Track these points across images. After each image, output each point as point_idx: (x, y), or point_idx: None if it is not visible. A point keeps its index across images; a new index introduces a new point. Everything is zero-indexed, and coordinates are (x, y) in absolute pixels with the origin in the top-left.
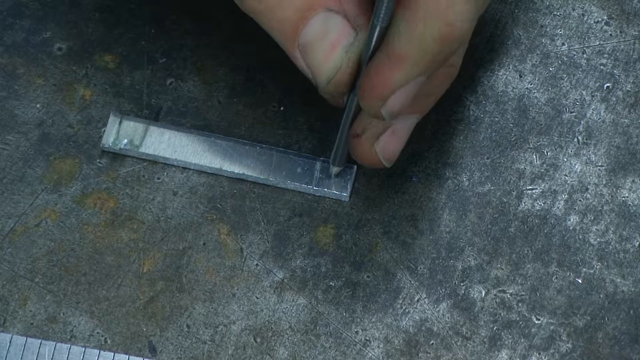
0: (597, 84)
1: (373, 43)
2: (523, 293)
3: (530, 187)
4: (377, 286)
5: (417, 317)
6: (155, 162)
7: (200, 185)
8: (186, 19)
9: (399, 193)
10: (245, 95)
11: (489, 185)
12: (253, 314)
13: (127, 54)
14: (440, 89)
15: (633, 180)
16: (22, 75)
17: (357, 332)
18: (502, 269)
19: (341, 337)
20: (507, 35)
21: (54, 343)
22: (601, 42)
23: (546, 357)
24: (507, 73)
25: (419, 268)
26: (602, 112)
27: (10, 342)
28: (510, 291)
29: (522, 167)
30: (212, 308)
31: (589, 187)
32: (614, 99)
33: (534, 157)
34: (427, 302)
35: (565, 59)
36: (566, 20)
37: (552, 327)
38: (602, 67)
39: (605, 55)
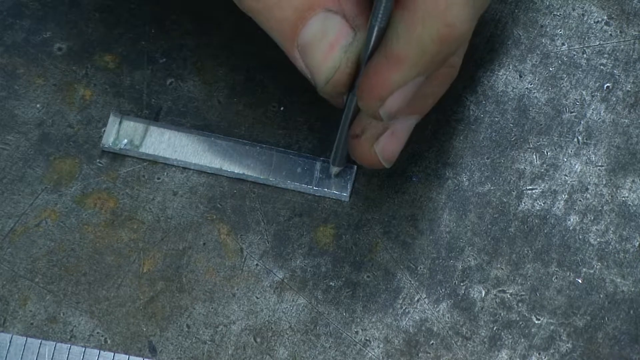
0: (597, 84)
1: (371, 43)
2: (523, 293)
3: (530, 187)
4: (377, 286)
5: (417, 317)
6: (155, 162)
7: (200, 185)
8: (186, 19)
9: (399, 193)
10: (245, 95)
11: (489, 185)
12: (253, 314)
13: (127, 54)
14: (439, 90)
15: (633, 180)
16: (22, 75)
17: (357, 332)
18: (502, 269)
19: (341, 337)
20: (507, 35)
21: (54, 343)
22: (601, 42)
23: (546, 357)
24: (507, 73)
25: (419, 268)
26: (602, 112)
27: (10, 342)
28: (510, 291)
29: (522, 167)
30: (212, 308)
31: (589, 187)
32: (614, 99)
33: (534, 157)
34: (427, 302)
35: (565, 59)
36: (566, 20)
37: (552, 327)
38: (602, 67)
39: (605, 55)
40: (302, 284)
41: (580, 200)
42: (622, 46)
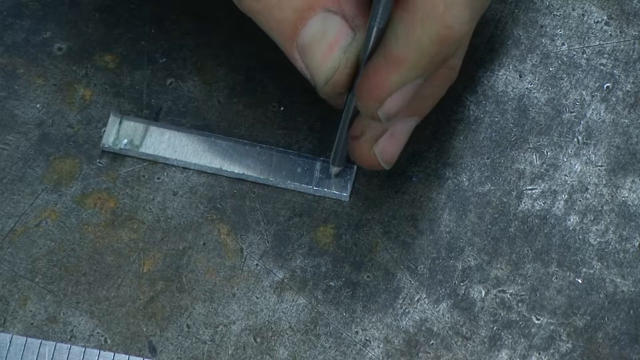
0: (597, 84)
1: (370, 44)
2: (523, 293)
3: (530, 187)
4: (377, 286)
5: (417, 317)
6: (155, 162)
7: (200, 185)
8: (186, 19)
9: (399, 193)
10: (245, 95)
11: (489, 185)
12: (253, 314)
13: (127, 54)
14: (439, 91)
15: (633, 180)
16: (22, 75)
17: (357, 332)
18: (502, 269)
19: (341, 337)
20: (507, 35)
21: (54, 343)
22: (601, 42)
23: (546, 357)
24: (507, 73)
25: (419, 268)
26: (602, 112)
27: (10, 342)
28: (510, 291)
29: (522, 167)
30: (212, 308)
31: (589, 187)
32: (614, 99)
33: (534, 157)
34: (427, 302)
35: (565, 59)
36: (566, 20)
37: (552, 327)
38: (602, 67)
39: (605, 55)
40: (302, 284)
41: (580, 200)
42: (622, 46)
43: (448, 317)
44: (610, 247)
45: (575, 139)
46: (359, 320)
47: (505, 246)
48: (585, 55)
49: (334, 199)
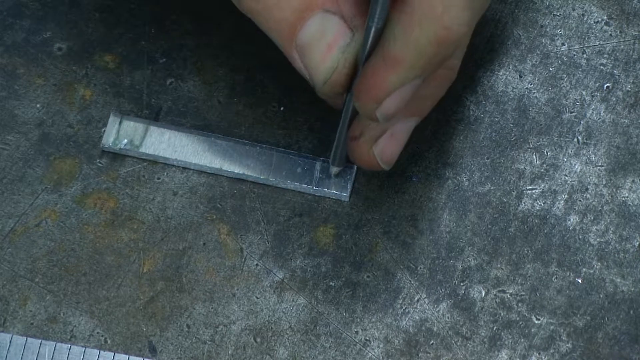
0: (597, 84)
1: (369, 44)
2: (523, 293)
3: (530, 187)
4: (377, 286)
5: (417, 317)
6: (155, 162)
7: (200, 185)
8: (186, 19)
9: (399, 193)
10: (245, 95)
11: (489, 185)
12: (253, 314)
13: (127, 54)
14: (438, 92)
15: (633, 180)
16: (22, 75)
17: (357, 332)
18: (502, 269)
19: (341, 337)
20: (507, 35)
21: (54, 343)
22: (601, 42)
23: (546, 357)
24: (507, 73)
25: (419, 268)
26: (602, 112)
27: (10, 342)
28: (510, 291)
29: (522, 167)
30: (212, 308)
31: (589, 187)
32: (614, 99)
33: (534, 157)
34: (427, 302)
35: (565, 59)
36: (566, 20)
37: (552, 327)
38: (602, 67)
39: (605, 55)
40: (302, 284)
41: (580, 200)
42: (622, 46)
43: (448, 317)
44: (610, 247)
45: (575, 139)
46: (359, 320)
47: (505, 246)
48: (585, 55)
49: (334, 199)
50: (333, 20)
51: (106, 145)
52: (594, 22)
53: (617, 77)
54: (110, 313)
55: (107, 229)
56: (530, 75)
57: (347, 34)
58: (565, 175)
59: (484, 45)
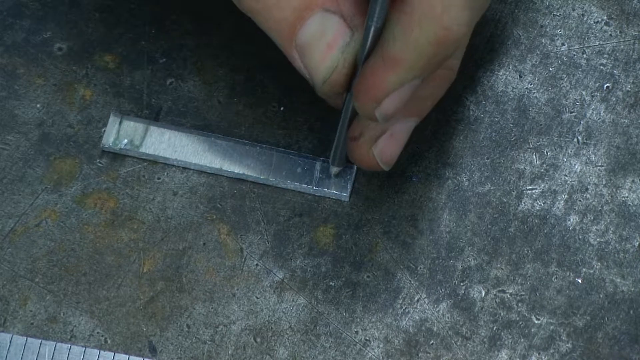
0: (597, 84)
1: (368, 44)
2: (523, 293)
3: (530, 187)
4: (377, 286)
5: (417, 317)
6: (155, 162)
7: (200, 185)
8: (186, 19)
9: (399, 193)
10: (245, 95)
11: (489, 185)
12: (253, 314)
13: (127, 54)
14: (437, 92)
15: (633, 180)
16: (22, 75)
17: (357, 332)
18: (502, 269)
19: (341, 337)
20: (507, 35)
21: (54, 343)
22: (601, 42)
23: (546, 357)
24: (507, 73)
25: (419, 268)
26: (602, 112)
27: (10, 342)
28: (510, 291)
29: (522, 167)
30: (212, 308)
31: (588, 187)
32: (614, 99)
33: (534, 157)
34: (427, 302)
35: (565, 59)
36: (566, 20)
37: (552, 327)
38: (602, 67)
39: (605, 55)
40: (302, 284)
41: (580, 200)
42: (622, 46)
43: (448, 317)
44: (610, 247)
45: (575, 139)
46: (359, 320)
47: (505, 246)
48: (585, 55)
49: (334, 199)
50: (333, 20)
51: (106, 145)
52: (594, 22)
53: (617, 77)
54: (110, 313)
55: (107, 229)
56: (530, 75)
57: (346, 34)
58: (565, 175)
59: (484, 45)
